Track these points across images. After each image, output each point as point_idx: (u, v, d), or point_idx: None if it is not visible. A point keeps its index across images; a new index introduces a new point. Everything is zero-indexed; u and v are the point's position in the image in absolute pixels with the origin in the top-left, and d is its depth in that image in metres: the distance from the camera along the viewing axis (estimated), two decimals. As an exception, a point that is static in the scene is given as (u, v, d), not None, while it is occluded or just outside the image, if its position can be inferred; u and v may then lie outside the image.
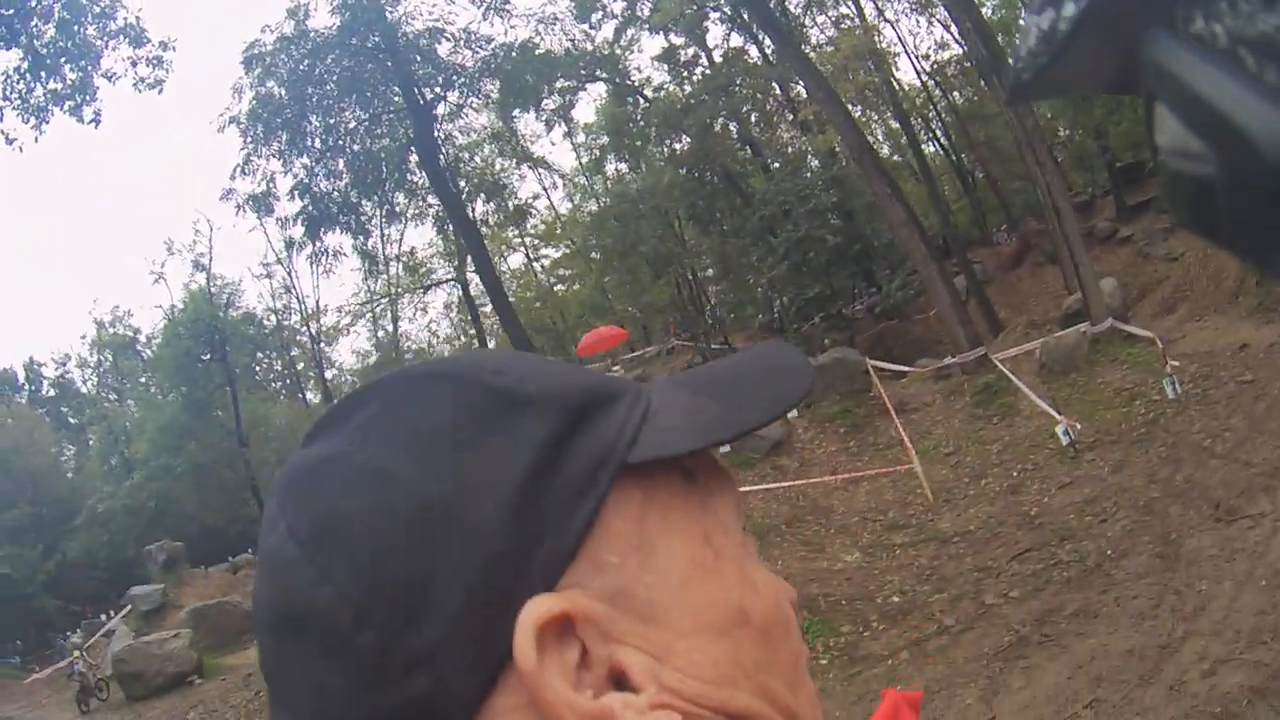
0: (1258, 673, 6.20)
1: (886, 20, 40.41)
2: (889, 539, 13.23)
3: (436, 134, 24.51)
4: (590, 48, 35.19)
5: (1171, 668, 6.73)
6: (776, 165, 37.59)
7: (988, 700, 7.53)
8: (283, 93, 22.91)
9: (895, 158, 44.25)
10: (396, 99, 23.74)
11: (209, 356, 41.37)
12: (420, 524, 0.52)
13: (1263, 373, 13.48)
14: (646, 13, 34.39)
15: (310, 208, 24.72)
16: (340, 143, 23.99)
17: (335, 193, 24.85)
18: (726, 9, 34.43)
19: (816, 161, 37.36)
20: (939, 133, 45.50)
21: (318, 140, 23.88)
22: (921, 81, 43.59)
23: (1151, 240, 32.97)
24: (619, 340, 34.08)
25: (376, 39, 22.70)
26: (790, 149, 39.30)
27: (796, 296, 33.60)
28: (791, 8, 35.53)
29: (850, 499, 15.56)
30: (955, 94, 44.15)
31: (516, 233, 46.02)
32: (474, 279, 30.34)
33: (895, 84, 39.41)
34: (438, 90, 24.44)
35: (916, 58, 42.82)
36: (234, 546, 32.07)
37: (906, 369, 21.60)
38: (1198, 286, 20.77)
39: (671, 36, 38.33)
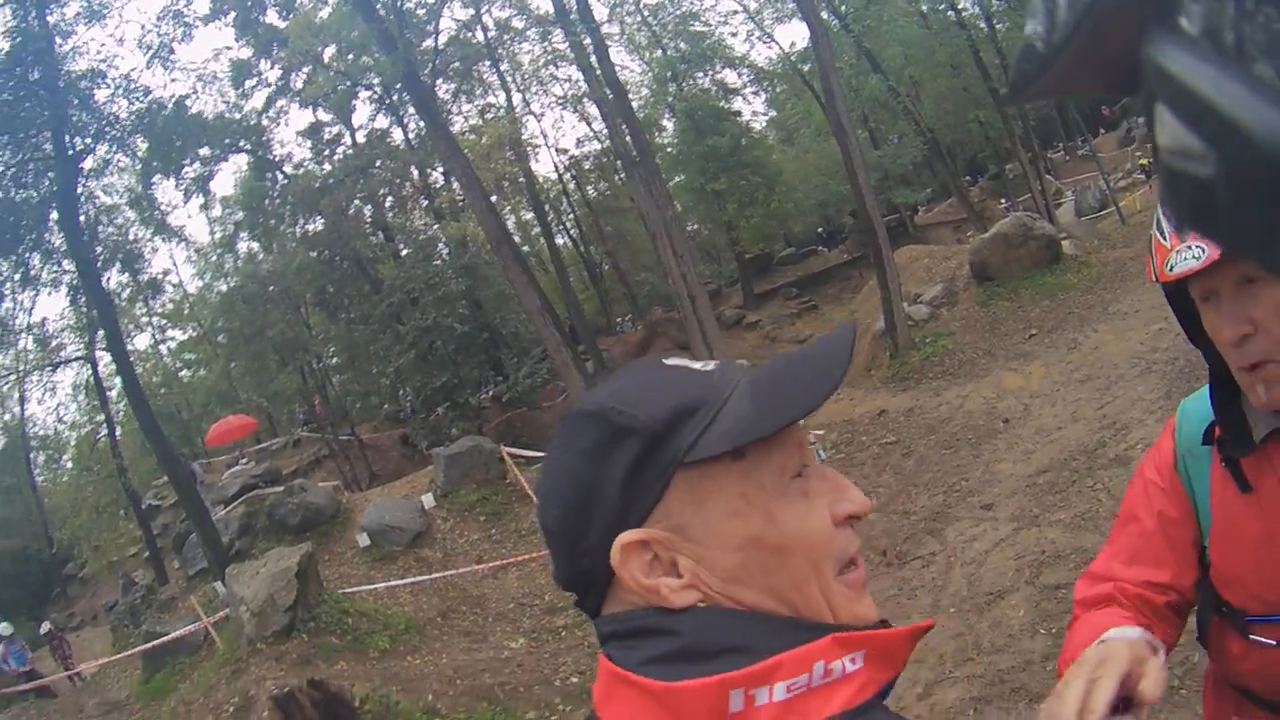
0: (973, 685, 6.37)
1: (532, 113, 41.38)
2: (551, 622, 13.10)
3: (80, 191, 22.41)
4: (239, 116, 33.50)
5: (888, 701, 6.92)
6: (408, 252, 37.48)
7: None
8: (-69, 121, 20.65)
9: (526, 248, 45.03)
10: (47, 146, 21.55)
11: None
12: (585, 490, 0.95)
13: (905, 433, 14.47)
14: (300, 85, 33.49)
15: (-57, 260, 22.20)
16: (-16, 189, 21.78)
17: (-30, 247, 22.47)
18: (378, 89, 34.09)
19: (447, 250, 37.40)
20: (570, 224, 46.77)
21: (-40, 183, 21.61)
22: (559, 174, 44.84)
23: (778, 324, 35.29)
24: (248, 431, 32.86)
25: (39, 73, 20.60)
26: (423, 235, 39.02)
27: (423, 386, 33.43)
28: (441, 94, 35.62)
29: (502, 586, 15.30)
30: (590, 188, 45.59)
31: (144, 310, 42.97)
32: (103, 359, 28.22)
33: (534, 175, 40.23)
34: (88, 141, 22.31)
35: (556, 150, 44.06)
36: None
37: (540, 454, 21.68)
38: (827, 364, 22.15)
39: (319, 112, 37.52)
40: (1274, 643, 1.78)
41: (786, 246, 44.15)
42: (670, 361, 1.05)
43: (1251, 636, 1.82)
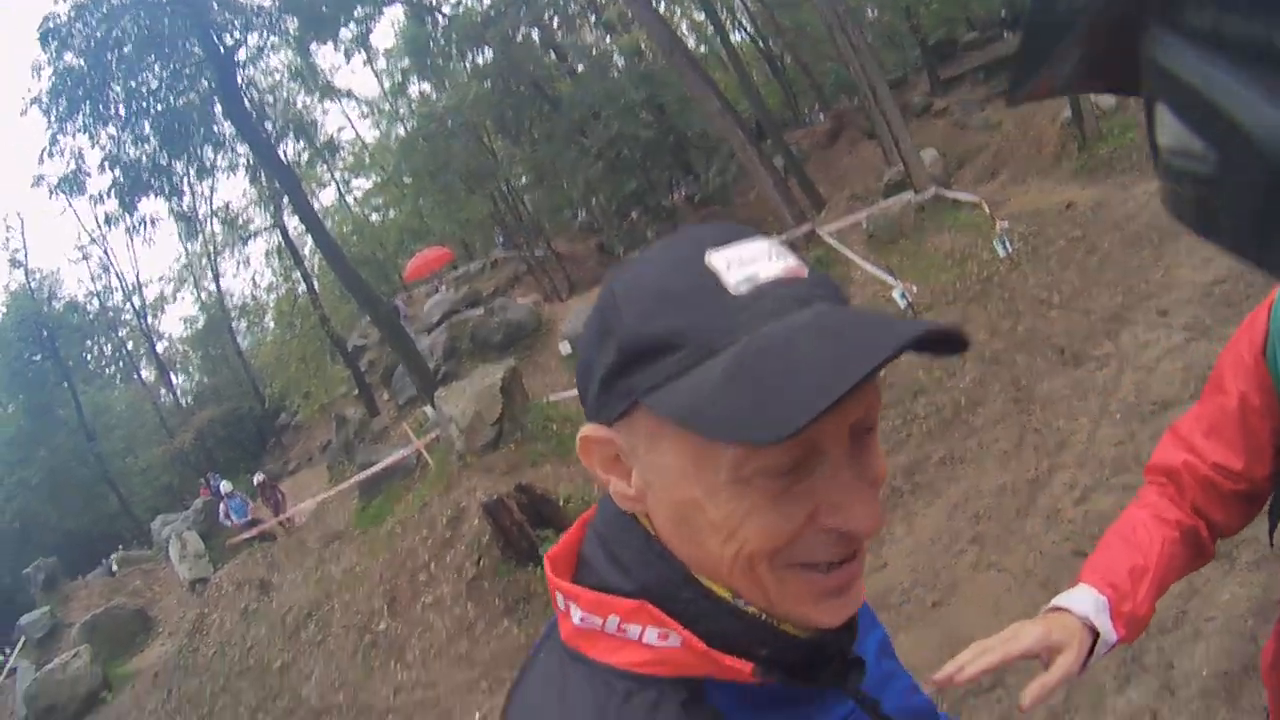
0: (1127, 496, 6.27)
1: (695, -89, 39.76)
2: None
3: (240, 80, 22.69)
4: (385, -34, 33.02)
5: (1045, 498, 6.90)
6: (583, 68, 36.96)
7: (875, 551, 7.54)
8: (82, 63, 21.10)
9: (702, 49, 43.96)
10: (196, 51, 21.80)
11: (40, 356, 39.43)
12: (583, 366, 0.93)
13: (1091, 229, 13.74)
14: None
15: (121, 178, 22.96)
16: (145, 105, 22.02)
17: (144, 158, 23.07)
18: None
19: (622, 60, 36.90)
20: (745, 22, 45.34)
21: (121, 107, 22.00)
22: (727, -33, 43.01)
23: (968, 111, 33.35)
24: (444, 261, 33.79)
25: (171, -9, 20.77)
26: (595, 50, 38.45)
27: (614, 193, 33.76)
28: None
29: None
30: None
31: (326, 168, 44.25)
32: (291, 222, 29.20)
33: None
34: (237, 35, 22.45)
35: (722, -52, 42.36)
36: (103, 548, 29.80)
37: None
38: (1018, 152, 21.15)
39: (470, -55, 36.73)
40: None
41: (970, 30, 41.73)
42: (709, 261, 0.85)
43: None
